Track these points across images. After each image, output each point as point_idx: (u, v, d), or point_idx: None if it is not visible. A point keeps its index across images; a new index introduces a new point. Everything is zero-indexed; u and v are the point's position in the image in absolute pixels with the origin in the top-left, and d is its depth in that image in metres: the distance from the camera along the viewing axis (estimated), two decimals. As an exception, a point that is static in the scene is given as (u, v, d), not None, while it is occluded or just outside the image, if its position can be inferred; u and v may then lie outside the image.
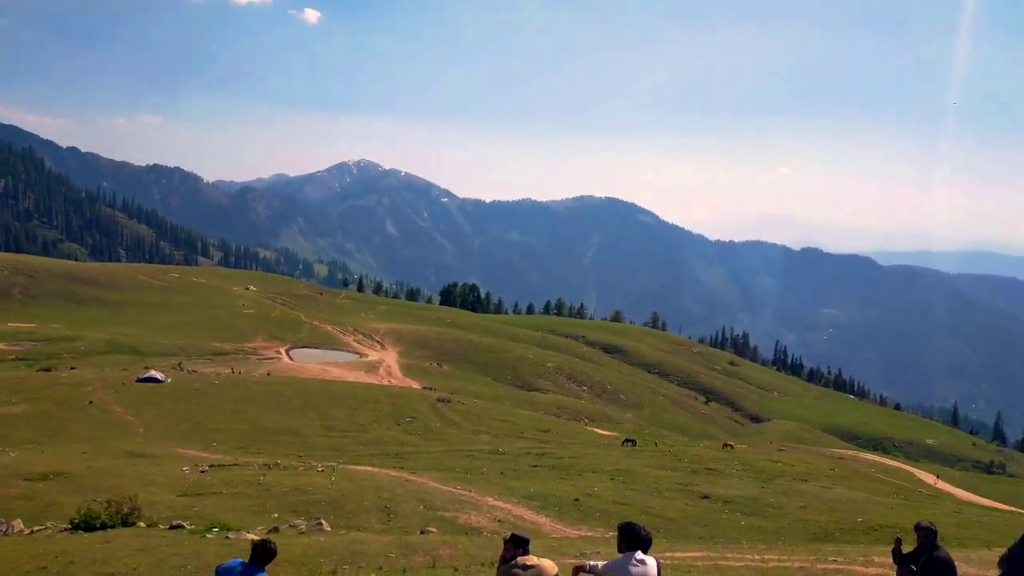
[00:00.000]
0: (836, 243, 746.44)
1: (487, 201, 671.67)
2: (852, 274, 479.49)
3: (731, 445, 57.97)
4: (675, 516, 29.32)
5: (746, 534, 26.93)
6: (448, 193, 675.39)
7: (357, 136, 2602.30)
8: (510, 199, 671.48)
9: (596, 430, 70.60)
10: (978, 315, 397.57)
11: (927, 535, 9.43)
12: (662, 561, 8.14)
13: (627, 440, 54.89)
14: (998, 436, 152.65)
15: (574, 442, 55.83)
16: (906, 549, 10.11)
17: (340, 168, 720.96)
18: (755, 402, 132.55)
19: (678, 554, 17.60)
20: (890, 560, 10.55)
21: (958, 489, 62.26)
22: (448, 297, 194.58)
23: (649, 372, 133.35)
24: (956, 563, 9.70)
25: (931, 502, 45.02)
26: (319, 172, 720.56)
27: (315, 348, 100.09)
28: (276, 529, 19.34)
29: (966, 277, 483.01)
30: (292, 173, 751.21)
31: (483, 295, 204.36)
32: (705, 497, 33.58)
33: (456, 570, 14.12)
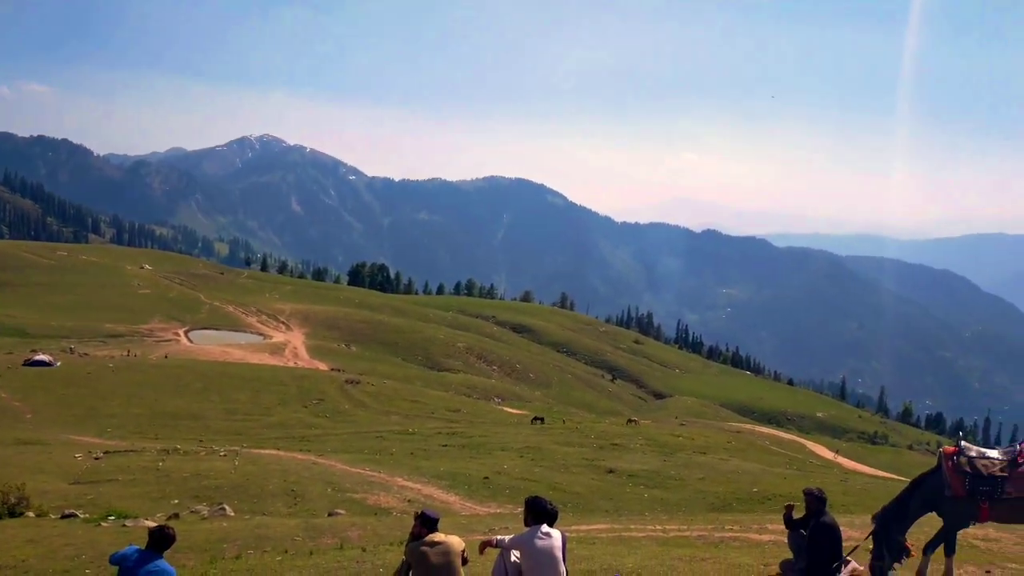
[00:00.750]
0: (735, 226, 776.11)
1: (396, 180, 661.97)
2: (749, 256, 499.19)
3: (635, 421, 59.57)
4: (582, 491, 29.99)
5: (649, 506, 27.84)
6: (356, 171, 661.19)
7: (259, 111, 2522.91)
8: (419, 179, 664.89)
9: (506, 409, 71.29)
10: (866, 295, 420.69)
11: (815, 502, 9.99)
12: (567, 534, 8.33)
13: (536, 418, 55.62)
14: (882, 409, 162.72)
15: (484, 421, 56.24)
16: (797, 516, 10.68)
17: (241, 143, 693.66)
18: (659, 379, 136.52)
19: (584, 527, 18.03)
20: (782, 527, 11.14)
21: (844, 459, 66.08)
22: (357, 277, 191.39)
23: (558, 351, 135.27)
24: (841, 528, 10.35)
25: (821, 472, 47.58)
26: (219, 147, 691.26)
27: (216, 330, 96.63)
28: (176, 515, 18.75)
29: (855, 259, 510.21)
30: (189, 147, 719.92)
31: (393, 275, 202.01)
32: (611, 472, 34.46)
33: (364, 550, 14.03)
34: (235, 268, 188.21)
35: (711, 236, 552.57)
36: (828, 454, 68.40)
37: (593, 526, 18.40)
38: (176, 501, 22.28)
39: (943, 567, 10.17)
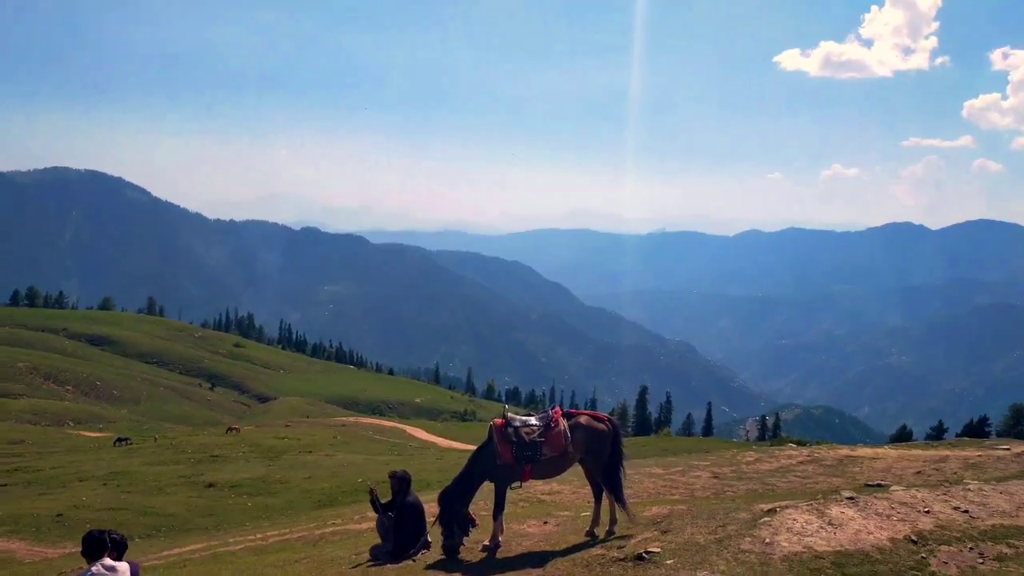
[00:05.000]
0: (333, 223, 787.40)
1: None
2: (348, 252, 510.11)
3: (236, 428, 57.50)
4: (178, 511, 28.13)
5: (252, 515, 27.20)
6: None
7: None
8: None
9: (83, 433, 63.31)
10: (454, 286, 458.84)
11: (398, 483, 10.83)
12: (139, 564, 7.84)
13: (120, 439, 50.51)
14: (470, 389, 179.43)
15: (56, 450, 49.28)
16: (384, 500, 11.44)
17: None
18: (262, 382, 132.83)
19: (176, 550, 17.04)
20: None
21: (440, 438, 71.58)
22: None
23: (146, 362, 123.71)
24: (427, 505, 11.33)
25: (419, 453, 51.01)
26: None
27: None
28: None
29: (444, 253, 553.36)
30: None
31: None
32: (211, 486, 32.89)
33: None
34: None
35: (311, 233, 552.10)
36: (426, 436, 73.48)
37: (187, 547, 17.47)
38: None
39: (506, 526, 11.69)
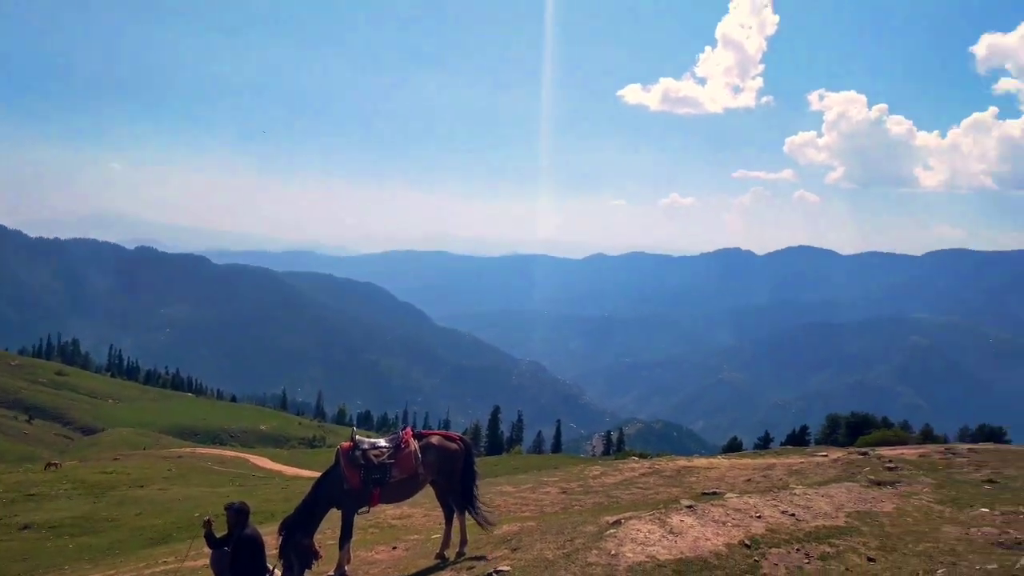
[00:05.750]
0: (171, 242, 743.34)
1: None
2: (188, 273, 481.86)
3: (56, 464, 52.80)
4: (-18, 559, 25.28)
5: (73, 557, 24.94)
6: None
7: None
8: None
9: None
10: (303, 308, 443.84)
11: (234, 515, 10.21)
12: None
13: (-84, 482, 44.68)
14: (319, 414, 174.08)
15: None
16: (221, 534, 10.74)
17: None
18: (87, 412, 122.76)
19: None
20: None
21: (286, 466, 68.69)
22: None
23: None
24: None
25: (263, 483, 48.76)
26: None
27: None
28: None
29: (292, 274, 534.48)
30: None
31: None
32: (26, 527, 30.00)
33: None
34: None
35: (146, 253, 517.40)
36: (271, 465, 70.28)
37: (-6, 598, 15.69)
38: None
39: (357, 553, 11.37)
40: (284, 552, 10.20)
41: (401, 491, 10.92)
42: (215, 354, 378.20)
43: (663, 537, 9.75)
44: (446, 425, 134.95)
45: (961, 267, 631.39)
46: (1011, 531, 10.59)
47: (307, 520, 10.43)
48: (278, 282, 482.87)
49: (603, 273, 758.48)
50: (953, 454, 20.66)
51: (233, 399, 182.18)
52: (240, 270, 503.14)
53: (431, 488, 11.41)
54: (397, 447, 10.74)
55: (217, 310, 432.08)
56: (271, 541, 10.96)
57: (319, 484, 10.76)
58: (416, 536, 14.83)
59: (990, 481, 15.79)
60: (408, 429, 11.23)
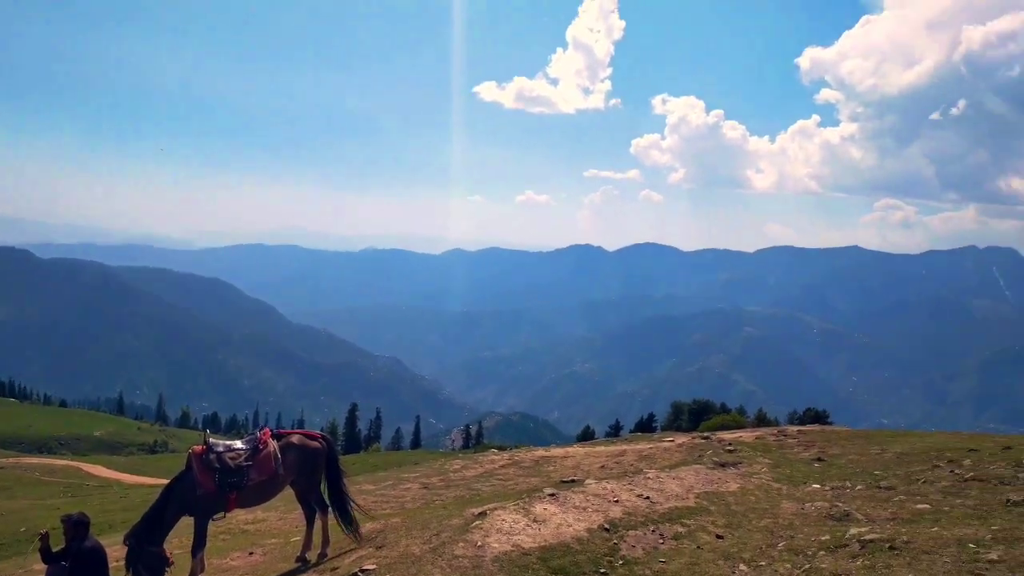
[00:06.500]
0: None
1: None
2: (8, 268, 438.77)
3: None
4: None
5: None
6: None
7: None
8: None
9: None
10: (140, 305, 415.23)
11: (72, 527, 9.46)
12: None
13: None
14: (161, 417, 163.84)
15: None
16: (58, 548, 9.95)
17: None
18: None
19: None
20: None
21: (125, 474, 64.38)
22: None
23: None
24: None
25: (99, 492, 45.50)
26: None
27: None
28: None
29: (128, 269, 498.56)
30: None
31: None
32: None
33: None
34: None
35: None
36: (108, 473, 65.63)
37: None
38: None
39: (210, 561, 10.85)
40: (131, 563, 9.59)
41: (260, 494, 10.53)
42: (41, 356, 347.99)
43: (527, 526, 9.96)
44: (300, 425, 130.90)
45: (788, 263, 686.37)
46: (840, 504, 11.63)
47: (155, 528, 9.84)
48: (112, 277, 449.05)
49: (461, 268, 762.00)
50: (785, 436, 22.42)
51: (63, 404, 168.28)
52: (69, 264, 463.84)
53: (289, 490, 11.07)
54: (255, 448, 10.34)
55: (43, 308, 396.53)
56: (114, 553, 10.24)
57: (168, 490, 10.15)
58: (274, 540, 14.33)
59: (818, 459, 17.29)
60: (267, 429, 10.83)
